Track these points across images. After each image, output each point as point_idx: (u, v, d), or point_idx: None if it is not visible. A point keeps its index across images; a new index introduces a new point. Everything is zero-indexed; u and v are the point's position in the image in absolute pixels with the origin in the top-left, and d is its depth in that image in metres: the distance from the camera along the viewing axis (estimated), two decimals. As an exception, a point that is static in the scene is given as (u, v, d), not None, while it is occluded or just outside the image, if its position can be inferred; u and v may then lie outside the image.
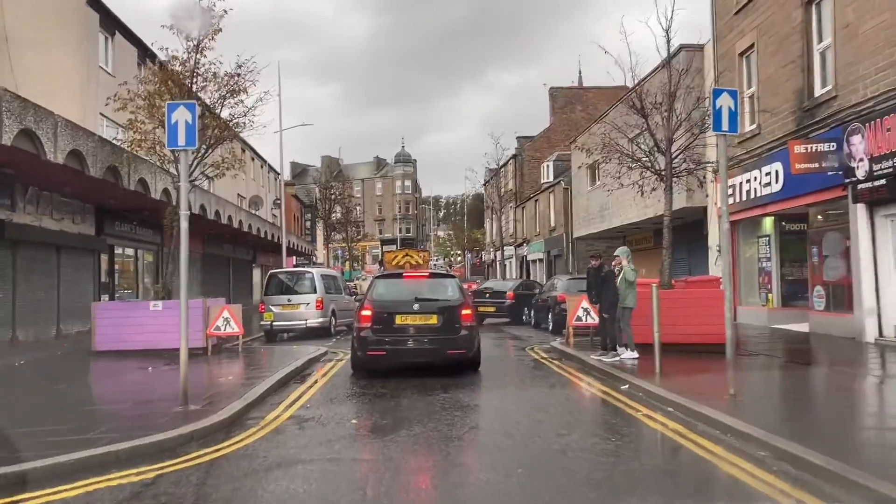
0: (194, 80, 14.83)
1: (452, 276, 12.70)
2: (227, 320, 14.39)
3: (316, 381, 10.79)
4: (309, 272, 20.04)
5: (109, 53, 24.06)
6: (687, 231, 25.62)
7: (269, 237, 35.03)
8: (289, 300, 19.11)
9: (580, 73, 49.82)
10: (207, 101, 15.07)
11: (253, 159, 44.62)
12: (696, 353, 11.61)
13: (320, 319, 19.02)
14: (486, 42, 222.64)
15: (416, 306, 10.53)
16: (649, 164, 15.34)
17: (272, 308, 18.99)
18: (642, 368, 10.48)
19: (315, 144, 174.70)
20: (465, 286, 16.41)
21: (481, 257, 73.03)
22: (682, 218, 24.35)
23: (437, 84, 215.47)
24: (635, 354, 11.35)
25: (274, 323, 18.88)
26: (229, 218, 28.15)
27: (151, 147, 15.02)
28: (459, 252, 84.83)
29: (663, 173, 15.06)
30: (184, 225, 7.94)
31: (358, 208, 76.61)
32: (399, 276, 12.69)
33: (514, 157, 49.37)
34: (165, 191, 19.56)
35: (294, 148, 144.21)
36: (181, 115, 8.16)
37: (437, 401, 8.78)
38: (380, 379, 10.61)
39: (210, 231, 28.83)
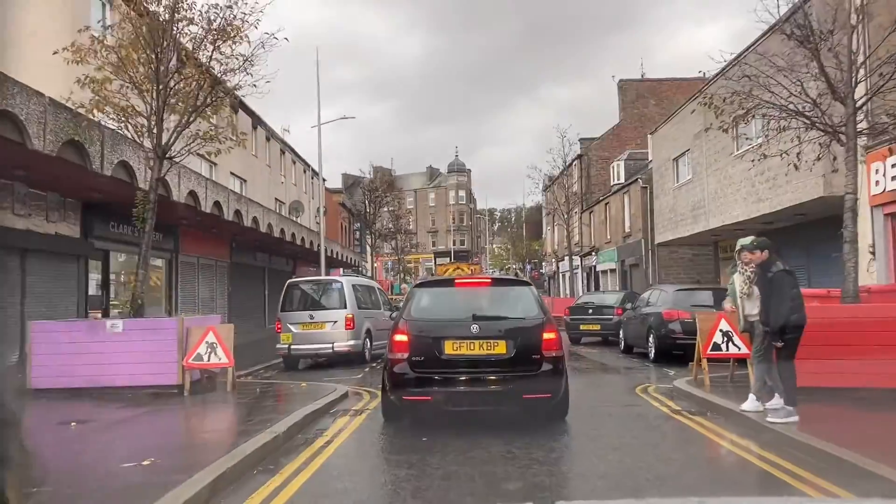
0: (175, 21, 10.88)
1: (527, 284, 8.62)
2: (211, 346, 10.30)
3: (324, 446, 6.67)
4: (337, 282, 15.86)
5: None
6: (807, 231, 20.65)
7: (311, 246, 31.32)
8: (311, 317, 14.99)
9: (642, 69, 45.97)
10: (191, 47, 11.08)
11: (294, 162, 41.18)
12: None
13: (351, 342, 14.83)
14: (538, 57, 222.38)
15: (474, 328, 7.24)
16: (817, 119, 10.54)
17: (290, 327, 14.94)
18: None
19: (368, 158, 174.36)
20: None
21: (540, 269, 68.16)
22: (803, 214, 19.39)
23: (491, 99, 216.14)
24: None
25: (292, 346, 14.84)
26: (269, 226, 24.44)
27: (122, 111, 11.11)
28: (518, 264, 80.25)
29: (841, 130, 10.26)
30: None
31: (409, 216, 72.82)
32: (449, 283, 9.08)
33: (579, 157, 44.60)
34: (169, 185, 15.80)
35: (347, 162, 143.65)
36: None
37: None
38: (426, 437, 6.79)
39: (237, 236, 25.16)
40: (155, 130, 11.08)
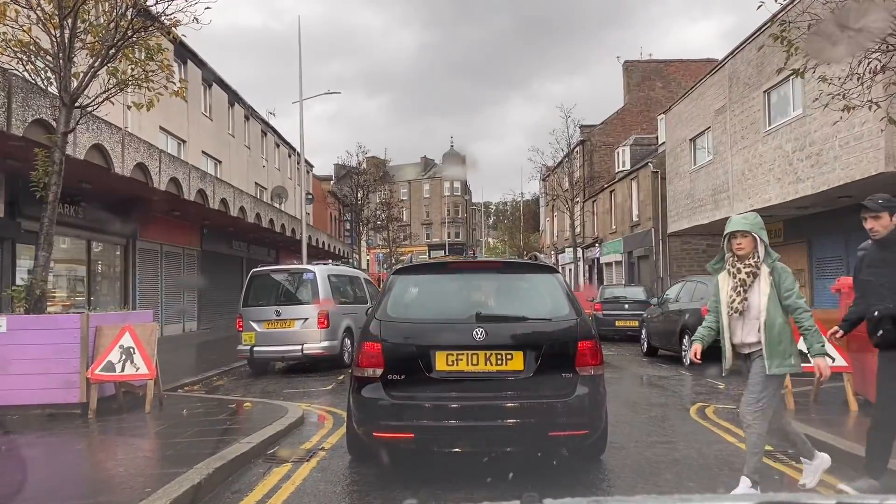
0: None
1: (553, 271, 6.07)
2: (127, 352, 7.75)
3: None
4: (310, 271, 13.25)
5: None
6: (847, 216, 18.23)
7: (294, 234, 28.72)
8: (277, 314, 12.47)
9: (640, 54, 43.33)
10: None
11: (278, 146, 38.48)
12: None
13: (325, 343, 12.31)
14: (531, 52, 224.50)
15: (479, 333, 5.00)
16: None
17: (253, 325, 12.43)
18: None
19: (359, 144, 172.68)
20: None
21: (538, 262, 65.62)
22: (849, 196, 16.92)
23: (484, 94, 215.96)
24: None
25: (255, 348, 12.34)
26: (241, 210, 21.84)
27: (23, 48, 8.49)
28: (515, 257, 77.77)
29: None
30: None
31: (401, 205, 70.08)
32: (442, 268, 6.40)
33: (581, 143, 42.04)
34: (108, 154, 13.20)
35: (340, 154, 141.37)
36: None
37: None
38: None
39: (207, 220, 22.55)
40: (61, 72, 8.48)
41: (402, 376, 5.01)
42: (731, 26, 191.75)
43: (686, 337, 11.99)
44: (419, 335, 5.18)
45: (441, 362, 4.99)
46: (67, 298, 17.07)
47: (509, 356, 5.01)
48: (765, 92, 18.97)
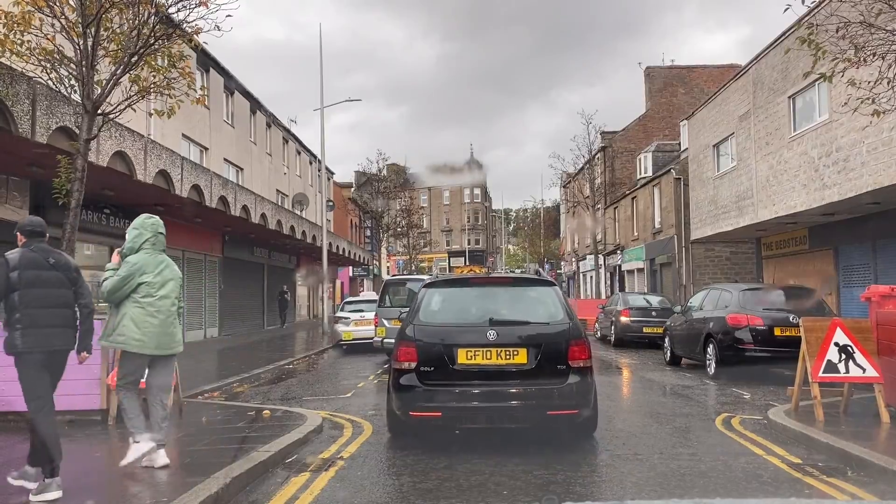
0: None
1: (551, 284, 7.52)
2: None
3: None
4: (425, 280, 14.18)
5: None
6: (875, 222, 17.93)
7: (314, 241, 28.79)
8: (400, 314, 13.74)
9: (663, 59, 43.01)
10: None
11: (299, 153, 38.68)
12: None
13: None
14: (549, 62, 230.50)
15: (491, 334, 6.42)
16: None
17: (385, 322, 15.36)
18: None
19: (381, 153, 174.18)
20: None
21: (558, 269, 65.34)
22: (877, 203, 16.61)
23: (502, 104, 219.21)
24: None
25: (385, 340, 14.97)
26: (262, 217, 21.96)
27: (47, 56, 8.56)
28: (535, 264, 77.42)
29: None
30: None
31: (421, 212, 70.21)
32: (464, 282, 7.86)
33: (602, 149, 41.75)
34: (130, 161, 13.31)
35: (360, 161, 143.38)
36: None
37: None
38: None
39: (228, 227, 22.69)
40: (84, 79, 8.54)
41: (432, 368, 6.31)
42: (748, 37, 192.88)
43: (711, 345, 11.78)
44: (445, 336, 6.48)
45: (462, 357, 6.29)
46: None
47: (516, 352, 6.29)
48: (790, 97, 18.67)
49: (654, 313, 18.24)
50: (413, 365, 6.34)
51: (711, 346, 11.72)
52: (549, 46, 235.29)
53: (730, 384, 10.54)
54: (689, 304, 14.07)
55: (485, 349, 6.29)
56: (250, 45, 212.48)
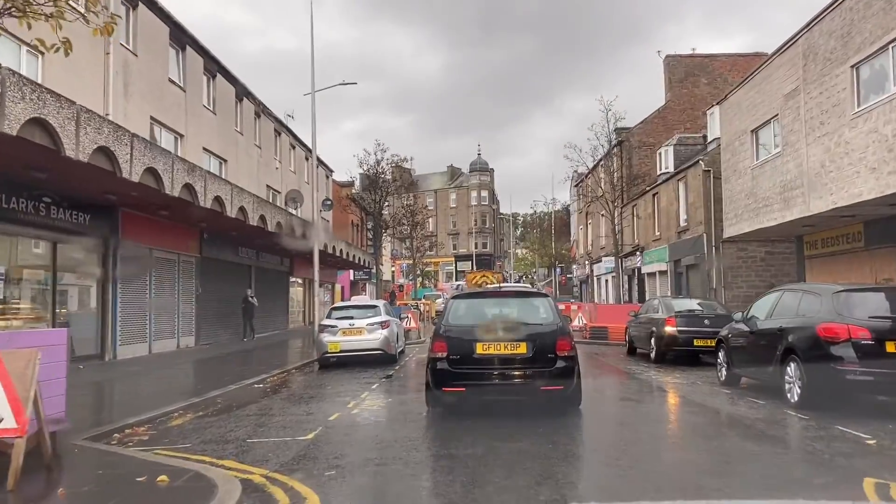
0: None
1: (544, 295, 10.46)
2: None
3: None
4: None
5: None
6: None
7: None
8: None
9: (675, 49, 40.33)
10: None
11: (293, 147, 36.06)
12: None
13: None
14: (554, 70, 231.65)
15: (500, 332, 8.85)
16: None
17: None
18: None
19: (383, 151, 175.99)
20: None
21: (569, 273, 62.47)
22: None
23: (508, 111, 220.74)
24: None
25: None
26: (241, 210, 19.34)
27: None
28: (544, 269, 74.52)
29: None
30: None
31: (426, 212, 67.46)
32: (480, 295, 11.00)
33: (619, 143, 38.89)
34: (55, 131, 10.63)
35: (358, 153, 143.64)
36: None
37: None
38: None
39: (204, 224, 20.05)
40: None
41: (458, 356, 8.78)
42: (750, 45, 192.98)
43: (792, 365, 8.98)
44: (467, 333, 8.93)
45: (479, 349, 8.72)
46: (31, 311, 14.62)
47: (518, 345, 8.71)
48: (853, 67, 15.84)
49: (706, 322, 15.01)
50: (444, 354, 8.80)
51: (793, 365, 8.91)
52: (554, 55, 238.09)
53: (830, 420, 7.76)
54: (750, 310, 11.25)
55: (496, 343, 8.73)
56: (260, 55, 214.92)
